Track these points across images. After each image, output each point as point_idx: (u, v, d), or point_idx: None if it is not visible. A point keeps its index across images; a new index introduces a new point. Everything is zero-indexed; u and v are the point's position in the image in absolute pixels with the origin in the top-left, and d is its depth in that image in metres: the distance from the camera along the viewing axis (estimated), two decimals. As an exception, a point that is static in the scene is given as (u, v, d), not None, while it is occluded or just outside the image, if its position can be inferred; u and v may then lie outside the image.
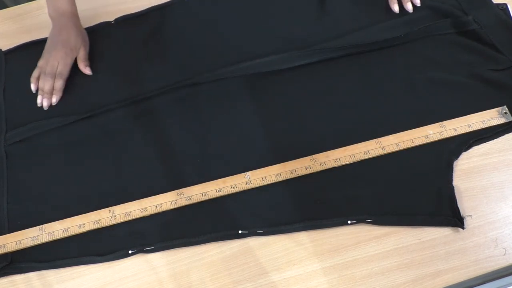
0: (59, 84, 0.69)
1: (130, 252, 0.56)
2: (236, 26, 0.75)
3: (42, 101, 0.69)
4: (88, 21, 0.78)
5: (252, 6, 0.76)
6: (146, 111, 0.67)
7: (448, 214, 0.54)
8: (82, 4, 0.80)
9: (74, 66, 0.72)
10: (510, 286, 0.50)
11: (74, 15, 0.72)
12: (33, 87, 0.70)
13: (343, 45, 0.69)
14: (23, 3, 0.84)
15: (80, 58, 0.71)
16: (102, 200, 0.60)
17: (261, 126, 0.64)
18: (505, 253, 0.52)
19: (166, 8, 0.78)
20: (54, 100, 0.68)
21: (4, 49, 0.77)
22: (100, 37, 0.76)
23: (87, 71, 0.71)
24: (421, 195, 0.56)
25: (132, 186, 0.61)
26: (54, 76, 0.68)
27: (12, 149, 0.67)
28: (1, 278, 0.57)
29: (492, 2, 0.71)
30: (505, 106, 0.61)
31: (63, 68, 0.69)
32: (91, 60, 0.73)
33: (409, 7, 0.71)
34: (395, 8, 0.72)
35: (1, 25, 0.81)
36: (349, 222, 0.55)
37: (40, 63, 0.70)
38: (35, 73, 0.70)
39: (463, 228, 0.54)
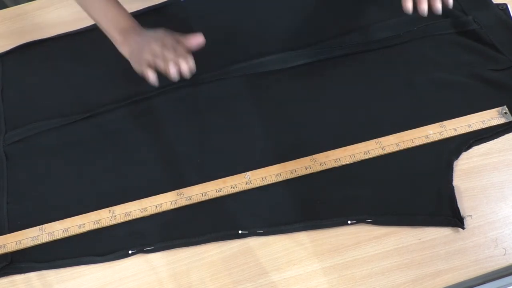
0: (181, 49, 0.57)
1: (130, 252, 0.56)
2: (235, 26, 0.75)
3: (179, 67, 0.56)
4: (88, 21, 0.77)
5: (250, 6, 0.76)
6: (145, 111, 0.67)
7: (448, 214, 0.54)
8: (82, 4, 0.81)
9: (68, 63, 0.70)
10: (510, 286, 0.50)
11: (141, 27, 0.63)
12: (152, 75, 0.57)
13: (342, 45, 0.69)
14: (23, 3, 0.84)
15: (179, 37, 0.60)
16: (102, 200, 0.60)
17: (261, 126, 0.64)
18: (505, 253, 0.52)
19: (163, 8, 0.78)
20: (191, 62, 0.56)
21: (3, 49, 0.77)
22: (96, 37, 0.76)
23: (199, 38, 0.59)
24: (421, 195, 0.56)
25: (132, 186, 0.61)
26: (172, 47, 0.57)
27: (12, 149, 0.67)
28: (1, 278, 0.57)
29: (492, 2, 0.71)
30: (505, 106, 0.61)
31: (173, 40, 0.59)
32: (88, 60, 0.73)
33: (437, 5, 0.55)
34: (408, 5, 0.56)
35: (1, 25, 0.81)
36: (349, 222, 0.55)
37: (145, 64, 0.58)
38: (145, 65, 0.58)
39: (463, 228, 0.54)
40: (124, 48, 0.62)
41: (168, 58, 0.56)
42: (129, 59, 0.61)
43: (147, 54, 0.58)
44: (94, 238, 0.58)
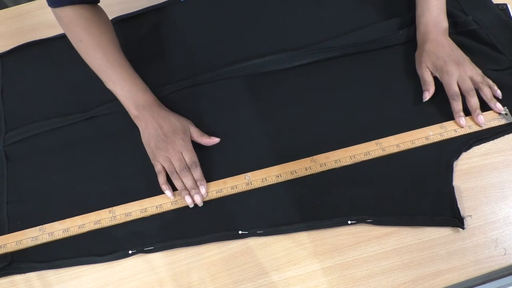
0: (198, 173, 0.59)
1: (130, 252, 0.56)
2: (234, 27, 0.75)
3: (193, 199, 0.58)
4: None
5: (250, 7, 0.76)
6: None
7: (448, 214, 0.54)
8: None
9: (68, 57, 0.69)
10: (510, 286, 0.50)
11: (158, 101, 0.65)
12: (169, 194, 0.58)
13: (342, 45, 0.69)
14: (23, 3, 0.84)
15: (196, 136, 0.62)
16: (102, 200, 0.60)
17: (261, 126, 0.64)
18: (505, 253, 0.52)
19: (163, 8, 0.78)
20: (204, 191, 0.58)
21: (2, 49, 0.77)
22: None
23: (215, 140, 0.63)
24: (421, 196, 0.56)
25: (132, 186, 0.61)
26: (188, 169, 0.59)
27: (12, 149, 0.67)
28: (1, 278, 0.57)
29: (492, 2, 0.71)
30: (505, 107, 0.61)
31: (191, 155, 0.60)
32: None
33: (480, 120, 0.59)
34: (462, 121, 0.60)
35: (1, 25, 0.81)
36: (349, 222, 0.55)
37: (159, 167, 0.60)
38: (161, 179, 0.59)
39: (463, 228, 0.54)
40: (139, 123, 0.63)
41: (186, 183, 0.58)
42: (142, 137, 0.63)
43: (163, 160, 0.60)
44: (94, 238, 0.58)
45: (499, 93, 0.61)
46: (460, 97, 0.61)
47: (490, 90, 0.61)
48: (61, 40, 0.77)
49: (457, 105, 0.60)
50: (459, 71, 0.61)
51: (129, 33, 0.76)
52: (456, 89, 0.61)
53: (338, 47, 0.69)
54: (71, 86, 0.72)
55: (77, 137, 0.67)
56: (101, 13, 0.65)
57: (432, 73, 0.63)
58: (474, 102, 0.60)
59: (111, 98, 0.67)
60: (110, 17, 0.77)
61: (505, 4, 0.70)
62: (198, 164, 0.60)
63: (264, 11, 0.76)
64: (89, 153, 0.65)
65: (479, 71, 0.62)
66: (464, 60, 0.62)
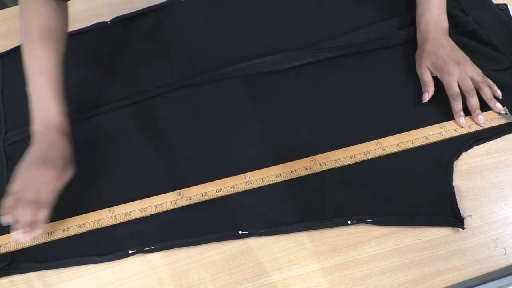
0: (43, 214, 0.52)
1: (130, 252, 0.56)
2: (234, 27, 0.75)
3: (18, 237, 0.51)
4: (88, 21, 0.78)
5: (250, 7, 0.76)
6: (146, 112, 0.67)
7: (448, 214, 0.54)
8: (82, 4, 0.81)
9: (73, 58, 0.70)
10: (510, 286, 0.50)
11: (66, 130, 0.59)
12: (7, 219, 0.51)
13: (342, 45, 0.69)
14: (23, 3, 0.84)
15: (56, 191, 0.55)
16: (102, 200, 0.60)
17: (261, 126, 0.64)
18: (505, 253, 0.52)
19: (163, 8, 0.78)
20: (34, 234, 0.52)
21: (2, 49, 0.77)
22: (96, 37, 0.76)
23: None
24: (421, 195, 0.56)
25: (132, 186, 0.61)
26: (34, 204, 0.52)
27: (12, 149, 0.67)
28: (1, 278, 0.57)
29: (492, 2, 0.71)
30: (505, 107, 0.61)
31: (50, 194, 0.53)
32: (88, 60, 0.73)
33: (480, 120, 0.59)
34: (462, 121, 0.59)
35: (1, 25, 0.81)
36: (349, 222, 0.55)
37: (16, 187, 0.53)
38: (8, 202, 0.52)
39: (463, 228, 0.54)
40: (36, 137, 0.57)
41: (19, 216, 0.52)
42: (30, 149, 0.57)
43: (22, 183, 0.53)
44: (94, 238, 0.58)
45: (499, 93, 0.61)
46: (460, 97, 0.61)
47: (490, 90, 0.61)
48: (61, 40, 0.77)
49: (457, 105, 0.60)
50: (459, 71, 0.61)
51: (129, 33, 0.76)
52: (457, 89, 0.61)
53: (338, 47, 0.69)
54: (71, 86, 0.71)
55: (77, 137, 0.66)
56: (63, 11, 0.61)
57: (432, 73, 0.63)
58: (474, 102, 0.60)
59: (111, 98, 0.67)
60: (110, 17, 0.78)
61: (505, 4, 0.70)
62: (47, 207, 0.53)
63: (264, 11, 0.76)
64: (89, 153, 0.65)
65: (480, 71, 0.62)
66: (465, 60, 0.62)
